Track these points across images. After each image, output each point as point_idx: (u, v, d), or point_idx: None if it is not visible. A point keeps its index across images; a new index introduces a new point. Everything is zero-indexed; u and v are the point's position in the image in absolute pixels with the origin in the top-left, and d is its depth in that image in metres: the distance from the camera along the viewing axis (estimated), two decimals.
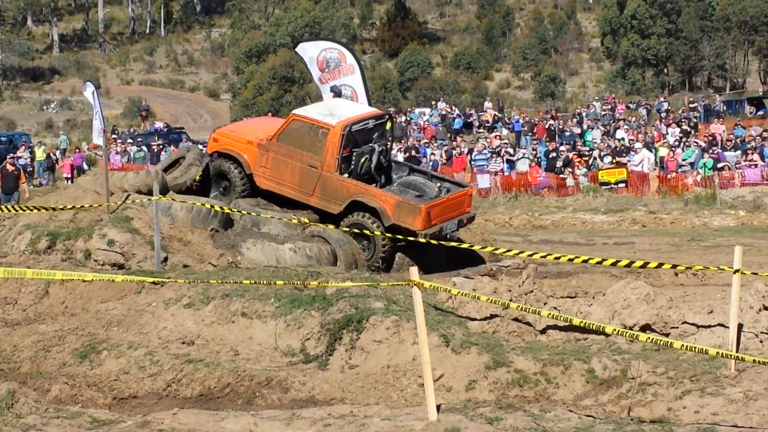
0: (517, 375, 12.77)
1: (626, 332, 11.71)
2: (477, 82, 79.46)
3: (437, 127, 53.90)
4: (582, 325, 11.67)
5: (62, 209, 18.84)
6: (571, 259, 13.21)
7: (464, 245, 14.38)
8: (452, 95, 71.20)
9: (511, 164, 40.63)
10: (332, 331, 14.15)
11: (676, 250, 24.16)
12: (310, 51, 26.41)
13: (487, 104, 62.09)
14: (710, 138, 41.40)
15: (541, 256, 13.44)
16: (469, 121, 57.09)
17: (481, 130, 54.71)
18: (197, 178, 21.63)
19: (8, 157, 34.77)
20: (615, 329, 11.34)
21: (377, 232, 20.09)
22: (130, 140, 53.39)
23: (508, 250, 13.97)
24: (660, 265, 13.48)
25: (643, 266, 13.27)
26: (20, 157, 46.68)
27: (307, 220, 19.99)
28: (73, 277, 14.30)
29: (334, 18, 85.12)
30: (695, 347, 10.45)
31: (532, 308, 12.57)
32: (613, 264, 12.92)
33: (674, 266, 14.03)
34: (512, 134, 52.41)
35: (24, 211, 17.86)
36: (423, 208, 20.31)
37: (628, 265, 13.10)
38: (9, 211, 18.17)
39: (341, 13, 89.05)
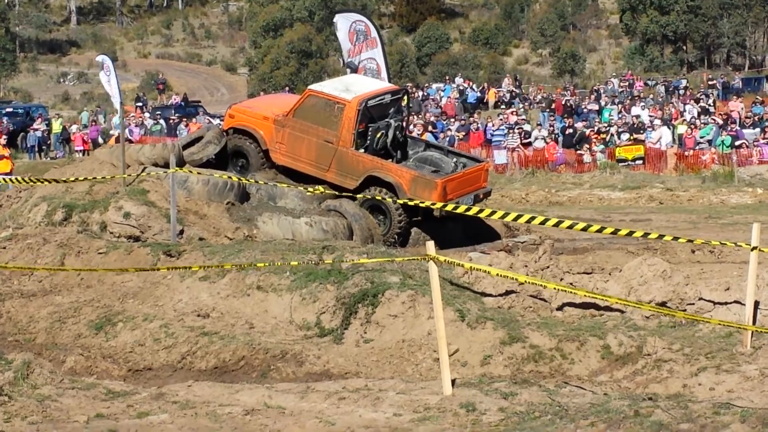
0: (532, 350, 12.75)
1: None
2: (495, 58, 79.08)
3: (455, 102, 53.66)
4: None
5: (78, 181, 18.88)
6: (584, 229, 13.11)
7: (484, 213, 14.31)
8: (470, 71, 70.93)
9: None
10: (347, 305, 14.15)
11: (693, 228, 24.07)
12: (343, 23, 26.43)
13: (506, 81, 61.86)
14: (726, 116, 41.17)
15: (555, 223, 13.31)
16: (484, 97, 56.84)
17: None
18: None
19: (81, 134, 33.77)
20: None
21: (389, 200, 19.95)
22: (158, 112, 53.23)
23: (532, 218, 13.88)
24: (676, 238, 13.45)
25: (659, 238, 13.21)
26: (36, 129, 46.70)
27: (322, 189, 20.00)
28: None
29: None
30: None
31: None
32: (628, 235, 12.87)
33: (690, 240, 13.99)
34: (531, 110, 52.17)
35: (41, 183, 17.86)
36: (439, 182, 20.29)
37: (644, 236, 13.05)
38: (24, 183, 18.20)
39: None
